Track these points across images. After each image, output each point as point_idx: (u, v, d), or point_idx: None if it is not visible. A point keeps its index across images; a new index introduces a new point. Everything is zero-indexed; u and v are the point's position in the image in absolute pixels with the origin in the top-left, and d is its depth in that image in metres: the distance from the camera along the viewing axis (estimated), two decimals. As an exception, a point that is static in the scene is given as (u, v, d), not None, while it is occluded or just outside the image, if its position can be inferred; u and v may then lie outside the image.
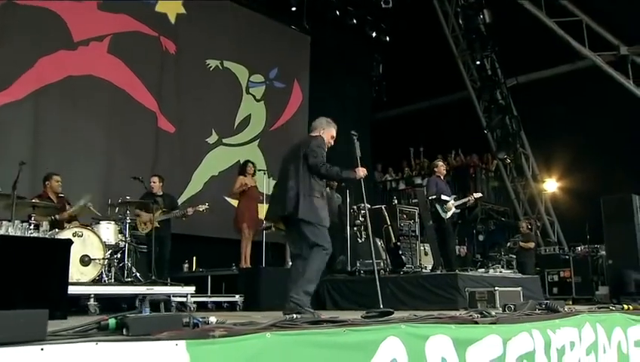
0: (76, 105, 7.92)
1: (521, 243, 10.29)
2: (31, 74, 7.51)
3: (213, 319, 2.41)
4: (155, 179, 7.35)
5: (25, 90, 7.44)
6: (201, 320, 2.35)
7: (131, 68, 8.61)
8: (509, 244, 10.97)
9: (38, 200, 5.68)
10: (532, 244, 10.26)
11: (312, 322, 2.72)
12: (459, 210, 7.86)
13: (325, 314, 3.54)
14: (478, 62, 12.77)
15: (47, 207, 5.90)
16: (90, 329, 2.20)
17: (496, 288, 5.89)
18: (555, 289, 10.39)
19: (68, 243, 4.67)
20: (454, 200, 7.49)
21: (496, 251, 11.10)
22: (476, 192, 8.41)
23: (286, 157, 4.51)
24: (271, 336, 2.27)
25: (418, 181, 13.42)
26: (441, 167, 7.72)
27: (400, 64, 13.62)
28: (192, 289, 6.26)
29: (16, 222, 4.59)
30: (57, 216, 6.26)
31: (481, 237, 12.03)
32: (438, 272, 6.98)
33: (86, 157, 7.87)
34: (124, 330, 2.18)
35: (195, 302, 6.37)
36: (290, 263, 4.72)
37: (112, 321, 2.22)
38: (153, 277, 6.24)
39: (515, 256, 10.52)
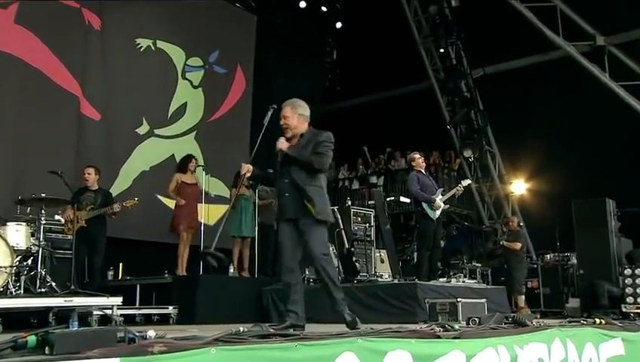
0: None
1: (505, 243, 9.87)
2: None
3: (151, 333, 2.41)
4: (91, 170, 7.20)
5: None
6: (138, 334, 2.35)
7: (46, 43, 8.36)
8: (491, 244, 10.85)
9: None
10: (519, 245, 9.74)
11: (261, 336, 2.76)
12: (447, 206, 7.96)
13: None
14: (442, 50, 13.11)
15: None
16: (3, 349, 2.15)
17: (458, 299, 6.09)
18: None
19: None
20: (442, 195, 7.58)
21: (458, 259, 11.38)
22: (464, 180, 8.31)
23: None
24: (216, 352, 2.30)
25: (374, 180, 13.66)
26: (418, 160, 7.75)
27: (356, 50, 13.79)
28: (118, 300, 6.14)
29: None
30: None
31: (442, 243, 12.33)
32: (396, 281, 7.14)
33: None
34: (46, 349, 2.15)
35: (121, 315, 6.27)
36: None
37: (31, 339, 2.19)
38: (72, 287, 6.07)
39: (479, 265, 10.81)
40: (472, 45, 12.81)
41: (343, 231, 7.96)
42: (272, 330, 2.97)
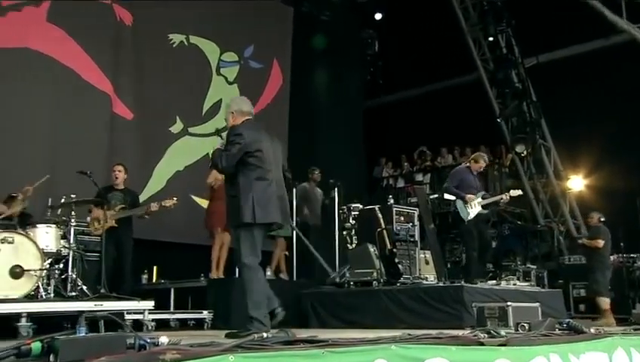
0: (7, 85, 7.76)
1: (586, 240, 9.42)
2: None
3: (164, 340, 2.33)
4: (121, 168, 7.24)
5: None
6: (149, 341, 2.28)
7: (78, 41, 8.49)
8: (581, 241, 10.43)
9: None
10: (601, 242, 9.04)
11: (286, 342, 2.66)
12: (486, 211, 7.84)
13: (305, 333, 3.49)
14: (491, 39, 12.73)
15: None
16: (5, 357, 2.11)
17: (508, 303, 5.85)
18: (581, 307, 10.12)
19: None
20: (482, 198, 7.48)
21: (511, 260, 11.07)
22: (514, 189, 8.17)
23: (278, 152, 4.82)
24: (235, 359, 2.22)
25: (419, 178, 13.44)
26: (481, 161, 7.75)
27: (398, 42, 13.58)
28: (150, 304, 6.13)
29: None
30: None
31: (493, 244, 12.02)
32: (441, 284, 6.96)
33: (21, 147, 7.71)
34: (51, 356, 2.10)
35: (154, 320, 6.26)
36: (260, 273, 4.74)
37: (35, 345, 2.14)
38: (102, 291, 6.07)
39: (534, 267, 10.48)
40: (523, 32, 12.40)
41: (384, 231, 7.80)
42: (297, 335, 2.86)
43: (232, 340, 2.58)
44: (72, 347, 2.10)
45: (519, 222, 12.82)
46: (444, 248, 9.37)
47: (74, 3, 8.50)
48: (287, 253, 8.70)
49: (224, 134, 4.86)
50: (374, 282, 7.25)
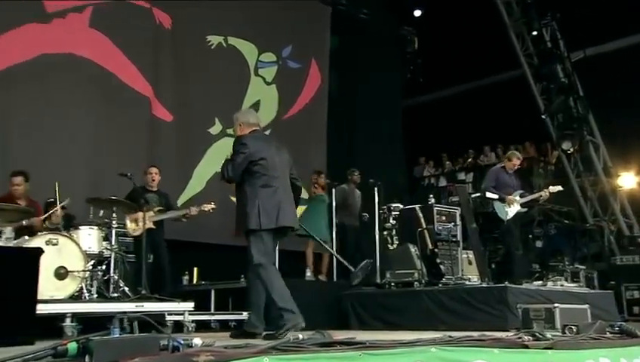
0: (52, 89, 7.92)
1: None
2: (-5, 51, 7.56)
3: (197, 341, 2.32)
4: (156, 170, 7.33)
5: (-12, 70, 7.48)
6: (182, 342, 2.27)
7: (118, 45, 8.61)
8: (626, 241, 10.18)
9: (3, 203, 5.65)
10: None
11: (322, 344, 2.62)
12: (525, 209, 7.76)
13: (344, 335, 3.46)
14: (535, 33, 12.44)
15: (16, 211, 5.87)
16: (43, 357, 2.13)
17: (555, 305, 5.69)
18: (636, 309, 9.77)
19: (36, 252, 4.65)
20: (520, 197, 7.41)
21: (558, 260, 10.80)
22: (553, 185, 8.06)
23: (284, 160, 5.05)
24: (269, 361, 2.21)
25: (462, 177, 13.26)
26: (515, 159, 7.67)
27: (438, 39, 13.40)
28: (190, 305, 6.20)
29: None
30: (25, 222, 6.16)
31: (539, 244, 11.76)
32: (484, 285, 6.83)
33: (64, 151, 7.87)
34: (86, 357, 2.12)
35: (194, 321, 6.30)
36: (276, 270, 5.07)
37: (72, 346, 2.16)
38: (143, 292, 6.17)
39: (583, 267, 10.19)
40: (569, 26, 12.08)
41: (425, 231, 7.72)
42: (334, 337, 2.82)
43: (267, 341, 2.55)
44: (107, 348, 2.11)
45: (566, 221, 12.50)
46: (487, 248, 9.20)
47: (115, 8, 8.66)
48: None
49: None
50: (415, 283, 7.20)
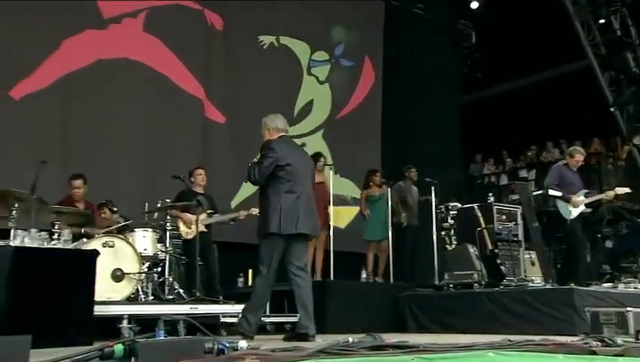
0: (107, 94, 8.11)
1: None
2: (55, 58, 7.79)
3: (243, 344, 2.30)
4: (203, 172, 7.40)
5: (50, 77, 7.73)
6: (228, 345, 2.25)
7: (171, 48, 8.76)
8: None
9: (62, 206, 5.82)
10: None
11: (373, 347, 2.56)
12: (590, 209, 7.50)
13: (401, 337, 3.40)
14: (602, 21, 11.94)
15: (75, 213, 6.03)
16: (91, 358, 2.15)
17: (628, 308, 5.42)
18: None
19: (93, 254, 4.77)
20: (585, 196, 7.17)
21: (631, 261, 10.35)
22: (619, 187, 7.76)
23: (308, 168, 5.30)
24: (317, 365, 2.16)
25: (524, 174, 12.91)
26: (577, 155, 7.42)
27: (496, 32, 13.05)
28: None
29: (32, 231, 4.69)
30: (85, 230, 6.32)
31: (609, 244, 11.30)
32: (548, 286, 6.59)
33: (120, 154, 8.06)
34: (132, 359, 2.12)
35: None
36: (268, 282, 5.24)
37: (118, 348, 2.17)
38: (197, 294, 6.24)
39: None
40: (640, 12, 11.55)
41: (484, 231, 7.52)
42: (385, 340, 2.75)
43: (314, 344, 2.50)
44: (152, 350, 2.11)
45: (639, 220, 11.95)
46: (552, 248, 8.91)
47: (167, 11, 8.83)
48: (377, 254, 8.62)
49: None
50: (475, 284, 7.05)
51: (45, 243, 4.74)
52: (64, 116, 7.83)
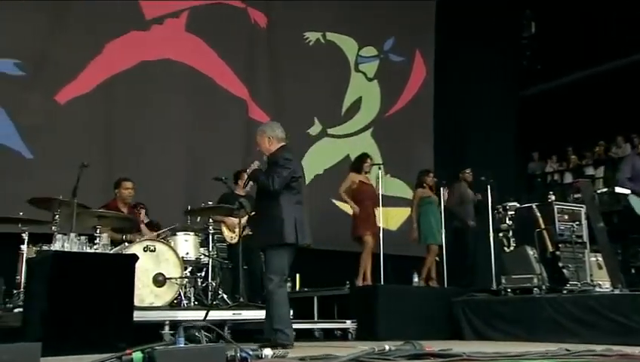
0: (150, 95, 8.24)
1: None
2: (99, 61, 7.96)
3: (268, 352, 2.21)
4: (245, 175, 7.39)
5: (94, 80, 7.90)
6: (251, 353, 2.17)
7: (214, 48, 8.83)
8: None
9: (104, 210, 5.89)
10: None
11: (411, 356, 2.43)
12: None
13: (446, 345, 3.25)
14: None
15: (118, 218, 6.11)
16: (108, 366, 2.12)
17: None
18: None
19: (131, 259, 4.79)
20: None
21: None
22: None
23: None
24: (348, 375, 2.07)
25: (590, 172, 12.43)
26: None
27: (559, 21, 12.62)
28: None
29: (72, 235, 4.76)
30: (129, 237, 6.39)
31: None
32: (617, 292, 6.26)
33: (163, 156, 8.15)
34: (151, 367, 2.07)
35: (295, 330, 6.23)
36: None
37: (137, 355, 2.13)
38: (241, 299, 6.21)
39: None
40: None
41: (544, 232, 7.21)
42: (426, 348, 2.62)
43: (348, 353, 2.39)
44: (171, 358, 2.05)
45: None
46: (624, 250, 8.51)
47: (210, 11, 8.89)
48: (437, 258, 8.46)
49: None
50: (535, 289, 6.78)
51: (85, 248, 4.80)
52: (107, 119, 8.00)
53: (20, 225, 5.78)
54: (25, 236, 5.75)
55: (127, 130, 8.04)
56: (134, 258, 4.83)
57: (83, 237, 4.86)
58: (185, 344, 2.22)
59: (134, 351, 2.11)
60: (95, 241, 5.39)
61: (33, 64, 7.56)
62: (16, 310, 5.13)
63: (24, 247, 5.73)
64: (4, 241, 6.09)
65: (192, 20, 8.72)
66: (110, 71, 8.05)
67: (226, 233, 7.06)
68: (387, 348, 2.50)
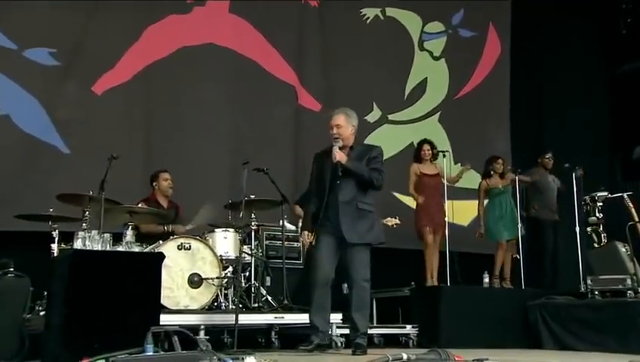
0: (192, 83, 8.21)
1: None
2: (137, 48, 7.98)
3: (251, 360, 2.03)
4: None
5: (132, 69, 7.92)
6: (231, 360, 1.99)
7: (261, 30, 8.74)
8: None
9: (134, 205, 5.89)
10: None
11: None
12: None
13: (522, 356, 3.00)
14: None
15: (151, 213, 6.11)
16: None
17: None
18: None
19: (157, 258, 4.70)
20: None
21: None
22: None
23: None
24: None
25: (695, 157, 11.59)
26: None
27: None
28: (337, 317, 5.96)
29: (93, 232, 4.75)
30: (170, 228, 6.43)
31: None
32: None
33: (206, 148, 8.10)
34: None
35: (342, 336, 6.04)
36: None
37: (98, 364, 1.99)
38: (285, 302, 6.14)
39: None
40: None
41: (638, 225, 6.94)
42: (456, 358, 2.37)
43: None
44: (135, 367, 1.88)
45: None
46: None
47: (256, -12, 8.82)
48: (517, 255, 8.13)
49: None
50: (629, 292, 6.51)
51: (108, 246, 4.76)
52: (146, 110, 8.02)
53: (50, 223, 5.83)
54: (55, 234, 5.79)
55: (167, 120, 8.05)
56: (161, 256, 4.74)
57: (107, 235, 4.82)
58: (155, 351, 2.06)
59: (96, 359, 1.97)
60: (126, 239, 5.41)
61: (69, 53, 7.63)
62: (42, 313, 5.16)
63: (55, 246, 5.78)
64: (36, 240, 6.15)
65: (236, 1, 8.66)
66: (149, 58, 8.04)
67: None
68: (405, 356, 2.25)
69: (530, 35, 10.73)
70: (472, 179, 8.91)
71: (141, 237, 6.10)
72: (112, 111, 7.72)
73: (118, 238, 5.51)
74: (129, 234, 5.09)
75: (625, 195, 7.22)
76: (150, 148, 7.91)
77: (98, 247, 4.65)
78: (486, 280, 7.79)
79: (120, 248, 5.23)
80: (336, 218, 4.97)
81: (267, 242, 7.05)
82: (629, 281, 6.56)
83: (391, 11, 9.92)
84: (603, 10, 11.78)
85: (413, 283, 7.75)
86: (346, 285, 6.35)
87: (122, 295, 4.42)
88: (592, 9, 11.44)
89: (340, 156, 5.00)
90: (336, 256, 5.11)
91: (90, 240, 4.64)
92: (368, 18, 9.76)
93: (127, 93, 7.86)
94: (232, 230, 6.29)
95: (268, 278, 6.73)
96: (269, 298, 6.33)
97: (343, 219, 4.96)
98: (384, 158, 5.34)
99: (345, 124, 5.19)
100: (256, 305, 6.11)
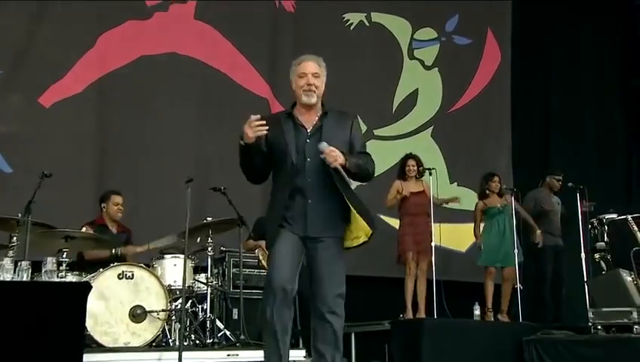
0: (151, 97, 8.12)
1: None
2: (90, 57, 7.85)
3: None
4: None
5: (84, 79, 7.79)
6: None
7: (230, 38, 8.67)
8: None
9: (68, 229, 5.70)
10: None
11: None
12: None
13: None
14: None
15: (90, 238, 5.97)
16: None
17: None
18: None
19: (81, 288, 4.52)
20: None
21: None
22: None
23: None
24: None
25: None
26: None
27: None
28: (301, 354, 5.80)
29: (6, 260, 4.59)
30: (121, 251, 6.32)
31: None
32: None
33: (167, 168, 7.96)
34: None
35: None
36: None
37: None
38: (242, 337, 5.95)
39: None
40: None
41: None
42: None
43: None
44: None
45: None
46: None
47: (225, -8, 8.79)
48: (520, 285, 7.99)
49: None
50: (635, 327, 6.45)
51: (25, 276, 4.56)
52: (99, 125, 7.90)
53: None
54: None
55: (123, 136, 7.95)
56: (86, 286, 4.56)
57: (25, 263, 4.62)
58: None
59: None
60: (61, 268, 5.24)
61: (12, 60, 7.54)
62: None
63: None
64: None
65: (202, 6, 8.60)
66: (104, 68, 7.95)
67: (263, 258, 6.79)
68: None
69: (536, 41, 10.80)
70: (469, 200, 8.76)
71: (85, 265, 6.02)
72: (61, 126, 7.60)
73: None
74: (50, 262, 4.87)
75: (629, 217, 7.14)
76: (103, 166, 7.79)
77: (9, 278, 4.44)
78: (477, 312, 7.62)
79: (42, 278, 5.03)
80: (305, 211, 3.93)
81: (234, 270, 6.92)
82: (635, 314, 6.44)
83: (377, 17, 9.91)
84: (619, 18, 11.80)
85: (402, 316, 7.60)
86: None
87: (34, 333, 4.21)
88: (607, 15, 11.44)
89: (340, 159, 3.77)
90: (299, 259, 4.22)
91: (1, 270, 4.43)
92: (352, 24, 9.74)
93: (78, 106, 7.74)
94: (181, 256, 6.08)
95: (235, 311, 6.56)
96: (228, 333, 6.15)
97: (315, 212, 3.95)
98: (374, 176, 4.72)
99: (322, 74, 4.13)
100: (210, 340, 5.93)
